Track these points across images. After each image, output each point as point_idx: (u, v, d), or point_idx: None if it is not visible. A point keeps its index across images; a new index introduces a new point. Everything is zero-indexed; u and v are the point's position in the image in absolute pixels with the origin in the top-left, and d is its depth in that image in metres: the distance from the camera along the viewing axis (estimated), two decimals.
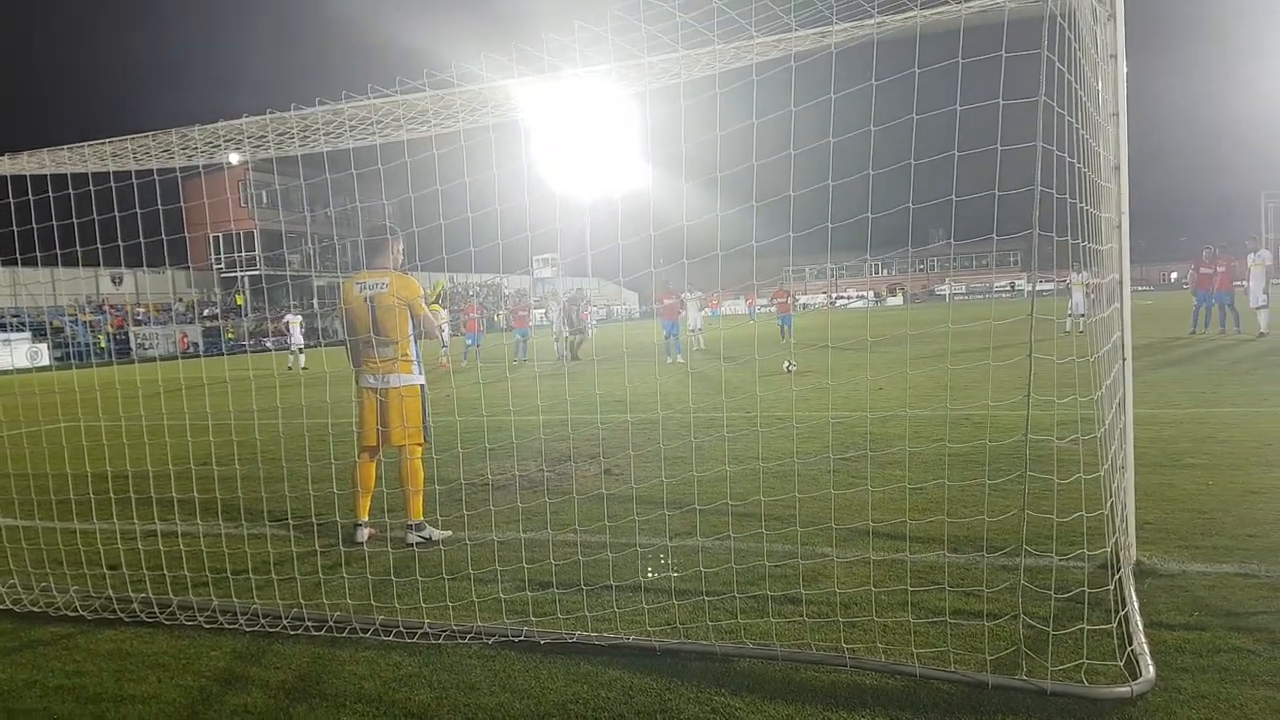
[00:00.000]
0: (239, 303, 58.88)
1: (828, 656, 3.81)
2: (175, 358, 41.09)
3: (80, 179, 5.67)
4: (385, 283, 6.16)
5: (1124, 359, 4.67)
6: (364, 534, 6.19)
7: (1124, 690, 3.37)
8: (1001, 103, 3.32)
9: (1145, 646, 3.71)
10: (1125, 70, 4.53)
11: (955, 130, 3.70)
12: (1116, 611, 3.93)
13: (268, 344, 41.19)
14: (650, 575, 4.61)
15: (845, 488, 6.60)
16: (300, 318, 29.50)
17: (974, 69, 3.59)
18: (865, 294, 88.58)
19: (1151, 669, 3.52)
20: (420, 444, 6.23)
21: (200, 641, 4.50)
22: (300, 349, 27.65)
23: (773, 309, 27.15)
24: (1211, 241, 23.48)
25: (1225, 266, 22.30)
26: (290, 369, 26.43)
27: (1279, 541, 5.11)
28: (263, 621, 4.63)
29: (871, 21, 4.12)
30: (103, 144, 5.78)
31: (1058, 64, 3.35)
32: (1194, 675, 3.54)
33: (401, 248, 6.40)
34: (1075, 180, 3.75)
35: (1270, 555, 4.88)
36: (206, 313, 56.83)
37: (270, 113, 5.43)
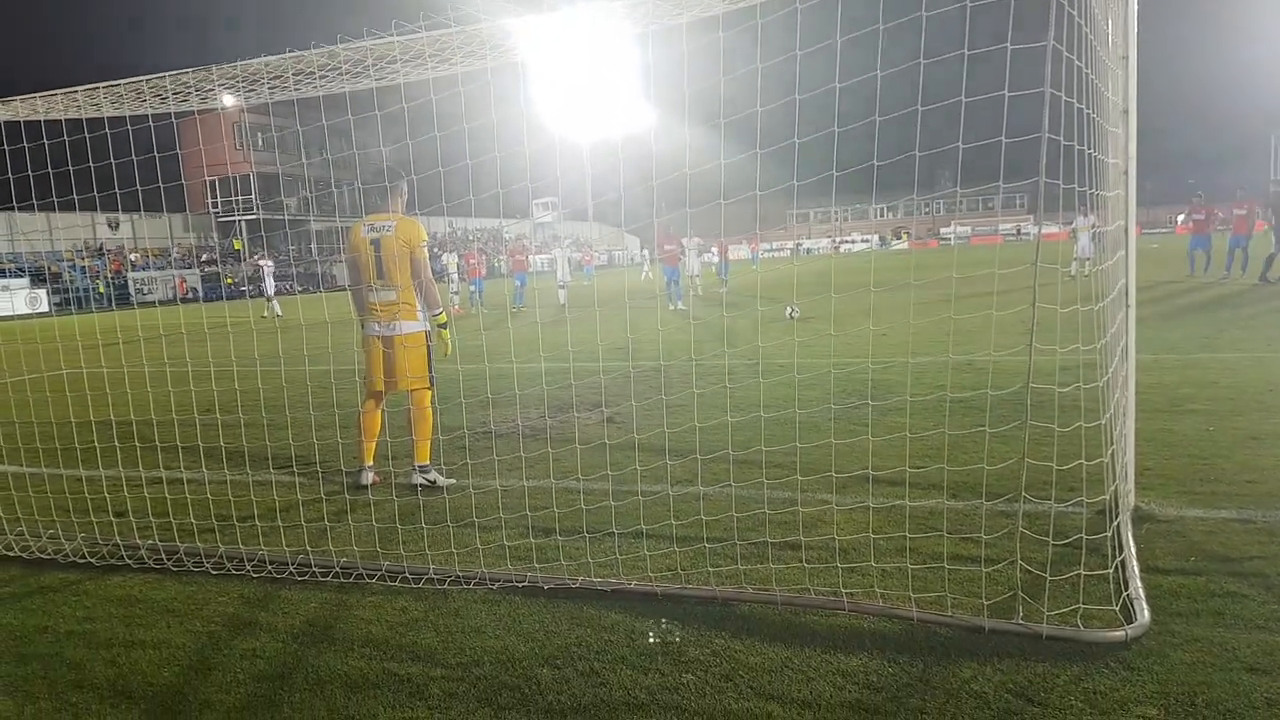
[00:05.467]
0: (237, 247, 58.57)
1: (826, 601, 3.86)
2: (174, 302, 40.97)
3: (75, 124, 5.60)
4: (391, 225, 6.13)
5: (1128, 305, 4.65)
6: (369, 477, 6.22)
7: (1118, 634, 3.42)
8: (1010, 47, 3.26)
9: (1141, 591, 3.76)
10: (1136, 10, 4.44)
11: (964, 76, 3.64)
12: (1113, 557, 3.97)
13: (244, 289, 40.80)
14: None
15: (846, 435, 6.62)
16: (273, 264, 28.99)
17: (983, 10, 3.52)
18: (869, 238, 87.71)
19: (1146, 613, 3.57)
20: (427, 388, 6.25)
21: (208, 588, 4.56)
22: (270, 297, 27.15)
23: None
24: (1203, 187, 23.72)
25: (1205, 214, 22.30)
26: (265, 317, 26.06)
27: (1278, 488, 5.14)
28: (270, 568, 4.69)
29: None
30: (95, 89, 5.69)
31: (1067, 7, 3.29)
32: (1188, 619, 3.59)
33: (406, 191, 6.36)
34: (1083, 125, 3.69)
35: (1269, 501, 4.91)
36: (205, 257, 56.55)
37: (264, 56, 5.34)
